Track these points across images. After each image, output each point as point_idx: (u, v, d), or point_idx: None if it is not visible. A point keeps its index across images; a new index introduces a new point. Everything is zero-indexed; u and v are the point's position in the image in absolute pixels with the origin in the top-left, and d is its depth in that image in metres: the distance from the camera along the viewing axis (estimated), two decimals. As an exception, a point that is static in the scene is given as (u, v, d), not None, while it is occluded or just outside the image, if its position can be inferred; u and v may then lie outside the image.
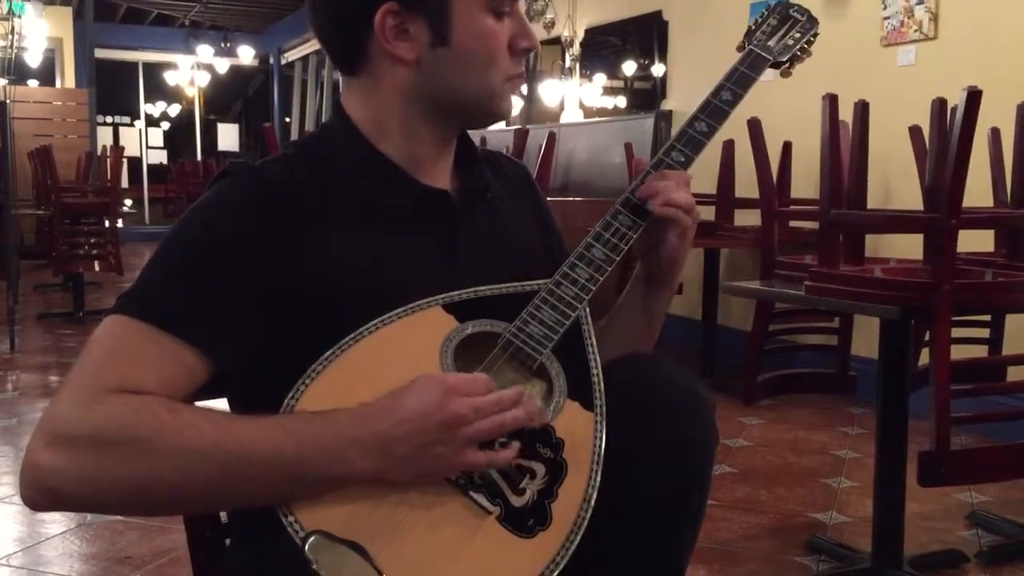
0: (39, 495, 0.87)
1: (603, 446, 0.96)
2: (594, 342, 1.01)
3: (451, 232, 1.07)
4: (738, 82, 1.14)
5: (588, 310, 1.02)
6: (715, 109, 1.12)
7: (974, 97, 1.79)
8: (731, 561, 2.30)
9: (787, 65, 1.20)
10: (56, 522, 2.53)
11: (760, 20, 1.21)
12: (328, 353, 0.93)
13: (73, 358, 4.81)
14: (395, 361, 0.95)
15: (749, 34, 1.20)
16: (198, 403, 0.96)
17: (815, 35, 1.21)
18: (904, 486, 2.10)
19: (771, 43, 1.19)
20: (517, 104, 7.37)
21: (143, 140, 14.80)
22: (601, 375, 0.99)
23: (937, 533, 2.47)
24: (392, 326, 0.96)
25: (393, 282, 1.00)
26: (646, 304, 1.19)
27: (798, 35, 1.20)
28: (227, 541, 1.11)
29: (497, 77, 1.05)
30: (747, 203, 4.01)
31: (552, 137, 3.49)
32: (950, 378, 1.80)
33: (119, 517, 2.49)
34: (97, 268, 6.06)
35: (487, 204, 1.13)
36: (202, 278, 0.95)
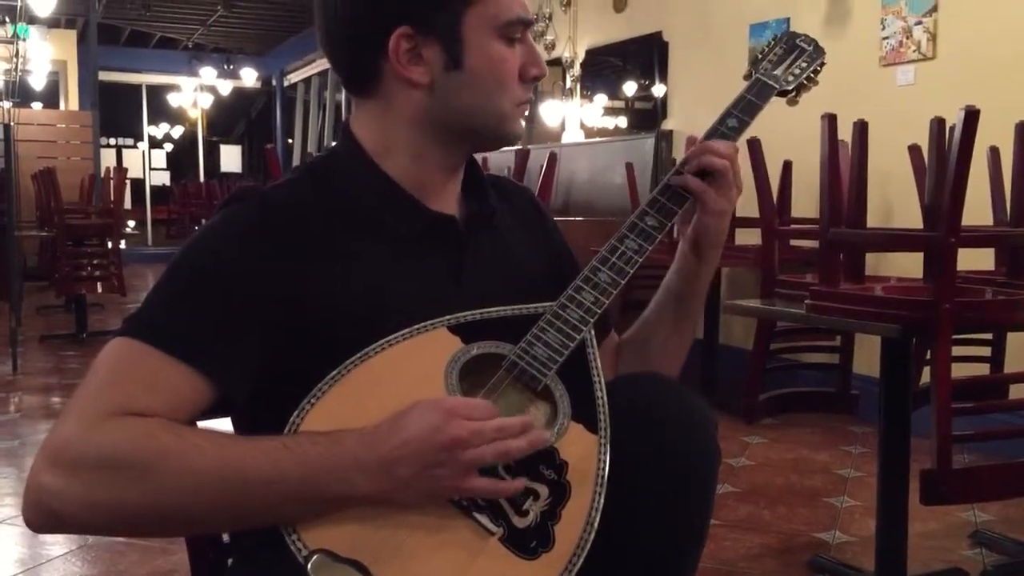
0: (42, 517, 0.88)
1: (607, 468, 0.96)
2: (599, 364, 1.01)
3: (457, 257, 1.08)
4: (744, 110, 1.15)
5: (593, 333, 1.02)
6: (721, 136, 1.13)
7: (972, 116, 1.80)
8: (734, 581, 2.30)
9: (793, 94, 1.21)
10: (58, 543, 2.53)
11: (767, 49, 1.22)
12: (333, 373, 0.94)
13: (76, 379, 4.82)
14: (400, 382, 0.95)
15: (755, 63, 1.21)
16: (202, 423, 0.96)
17: (822, 64, 1.21)
18: (907, 505, 2.10)
19: (777, 72, 1.19)
20: (518, 125, 7.41)
21: (146, 162, 14.88)
22: (605, 397, 0.99)
23: (940, 552, 2.46)
24: (397, 347, 0.97)
25: (398, 307, 1.00)
26: (697, 271, 1.18)
27: (804, 64, 1.21)
28: (229, 561, 1.11)
29: (508, 101, 1.06)
30: (748, 222, 4.01)
31: (553, 157, 3.51)
32: (951, 396, 1.81)
33: (120, 539, 2.49)
34: (100, 289, 6.08)
35: (493, 229, 1.14)
36: (207, 303, 0.95)
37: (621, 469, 0.96)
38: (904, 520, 2.10)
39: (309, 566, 0.87)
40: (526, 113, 1.12)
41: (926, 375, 2.14)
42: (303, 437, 0.90)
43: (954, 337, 1.85)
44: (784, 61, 1.20)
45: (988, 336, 2.52)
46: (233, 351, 0.95)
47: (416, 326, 0.98)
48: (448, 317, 0.99)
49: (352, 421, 0.91)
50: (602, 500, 0.94)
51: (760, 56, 1.22)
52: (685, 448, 0.99)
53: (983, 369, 2.46)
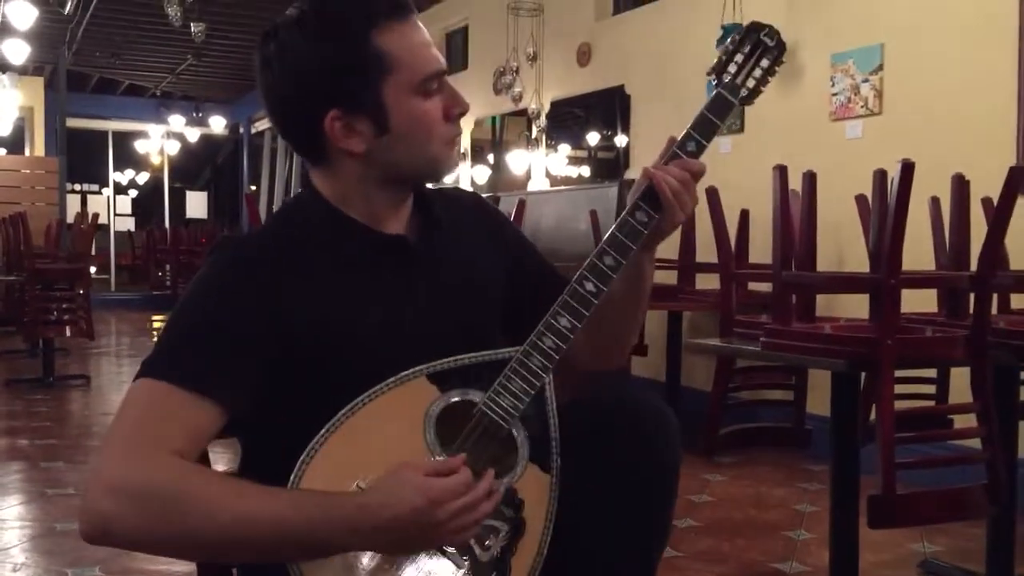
0: (97, 533, 1.04)
1: (555, 505, 1.13)
2: (555, 407, 1.15)
3: (408, 270, 1.22)
4: (704, 132, 1.21)
5: (551, 377, 1.15)
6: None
7: (907, 169, 1.97)
8: (696, 608, 2.40)
9: (750, 98, 1.23)
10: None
11: (731, 48, 1.23)
12: (328, 425, 1.09)
13: (45, 422, 4.85)
14: (384, 435, 1.10)
15: (720, 67, 1.23)
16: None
17: (781, 63, 1.23)
18: (857, 532, 2.22)
19: (739, 80, 1.22)
20: (483, 172, 7.57)
21: (111, 208, 14.84)
22: (558, 439, 1.14)
23: (891, 580, 2.59)
24: (381, 399, 1.11)
25: (366, 318, 1.16)
26: (638, 264, 1.25)
27: (766, 63, 1.23)
28: (234, 572, 1.22)
29: (436, 146, 1.21)
30: (707, 267, 4.18)
31: (522, 204, 3.65)
32: (895, 426, 1.95)
33: (99, 573, 2.54)
34: (69, 333, 6.10)
35: (442, 236, 1.27)
36: (213, 341, 1.11)
37: (587, 467, 1.12)
38: (855, 547, 2.23)
39: None
40: (458, 143, 1.25)
41: (875, 413, 2.29)
42: (308, 498, 1.05)
43: (901, 375, 2.00)
44: (747, 63, 1.23)
45: (933, 374, 2.68)
46: (237, 377, 1.11)
47: (400, 375, 1.12)
48: (426, 366, 1.13)
49: (347, 474, 1.07)
50: (551, 531, 1.12)
51: (724, 58, 1.24)
52: (649, 445, 1.14)
53: (930, 404, 2.61)
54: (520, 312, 1.27)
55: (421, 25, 1.19)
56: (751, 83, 1.22)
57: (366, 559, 1.06)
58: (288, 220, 1.24)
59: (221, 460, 1.62)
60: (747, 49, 1.23)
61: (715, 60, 1.25)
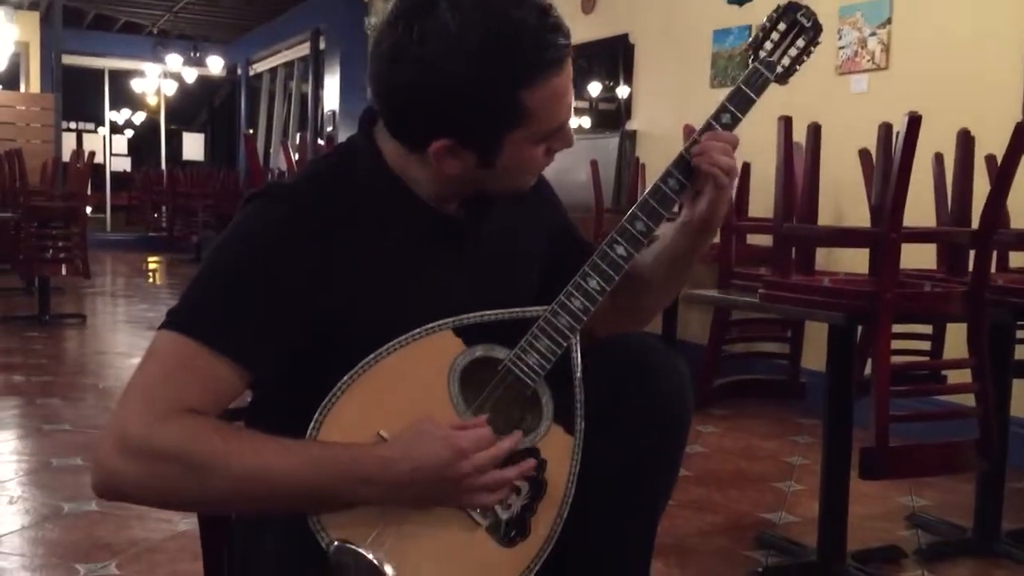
0: (110, 493, 1.04)
1: (578, 467, 1.11)
2: (580, 369, 1.12)
3: (460, 252, 1.17)
4: (740, 104, 1.19)
5: (578, 338, 1.13)
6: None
7: (914, 122, 1.95)
8: (685, 555, 2.43)
9: (786, 77, 1.22)
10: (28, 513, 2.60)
11: (768, 26, 1.22)
12: (351, 373, 1.06)
13: (41, 360, 4.86)
14: (409, 387, 1.08)
15: (756, 44, 1.21)
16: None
17: (817, 43, 1.22)
18: (848, 484, 2.25)
19: (774, 57, 1.20)
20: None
21: (107, 147, 14.74)
22: (583, 402, 1.12)
23: (879, 532, 2.61)
24: (407, 348, 1.08)
25: (410, 297, 1.11)
26: (690, 247, 1.25)
27: (802, 43, 1.21)
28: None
29: (529, 180, 1.17)
30: (707, 221, 4.16)
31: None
32: (889, 378, 1.96)
33: (95, 507, 2.57)
34: (65, 272, 6.08)
35: (492, 208, 1.21)
36: (245, 299, 1.06)
37: (604, 410, 1.11)
38: (845, 498, 2.25)
39: (331, 551, 1.04)
40: None
41: (870, 368, 2.30)
42: (326, 451, 1.04)
43: (897, 331, 2.00)
44: (783, 42, 1.21)
45: (929, 330, 2.69)
46: (268, 343, 1.07)
47: (425, 327, 1.09)
48: (453, 319, 1.10)
49: (368, 423, 1.05)
50: (572, 495, 1.11)
51: (762, 35, 1.22)
52: (664, 391, 1.14)
53: (925, 360, 2.62)
54: (552, 279, 1.23)
55: (569, 67, 1.08)
56: (786, 61, 1.22)
57: (387, 517, 1.06)
58: (342, 175, 1.14)
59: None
60: (783, 28, 1.22)
61: (752, 36, 1.23)
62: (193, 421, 1.02)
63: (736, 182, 1.22)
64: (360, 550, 1.04)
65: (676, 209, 1.23)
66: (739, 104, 1.19)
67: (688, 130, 1.20)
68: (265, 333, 1.06)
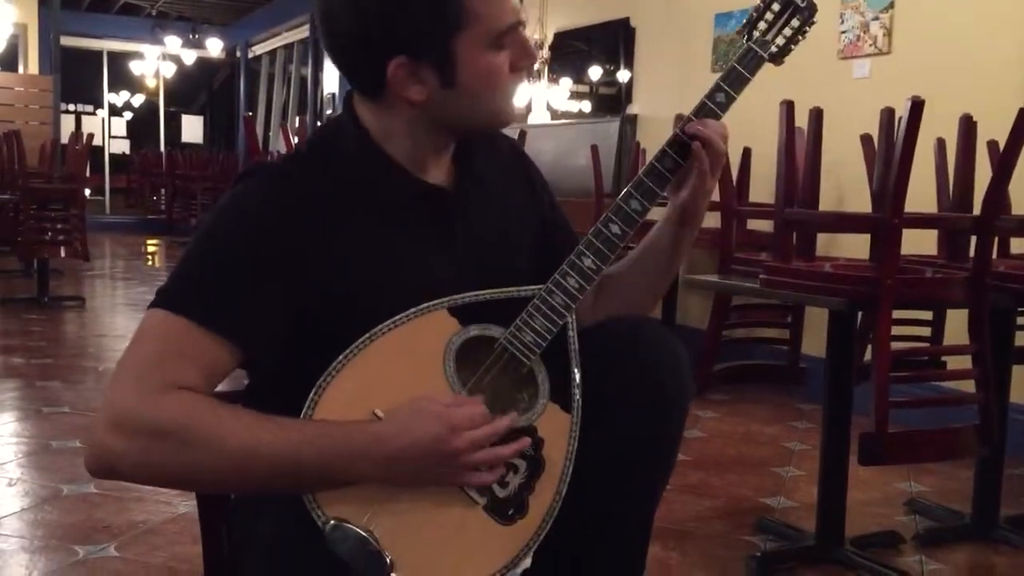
0: (103, 471, 1.04)
1: (576, 445, 1.11)
2: (577, 347, 1.12)
3: (445, 223, 1.17)
4: (733, 83, 1.19)
5: (574, 316, 1.13)
6: (710, 111, 1.19)
7: (917, 107, 1.94)
8: (684, 539, 2.43)
9: (780, 57, 1.22)
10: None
11: (762, 6, 1.22)
12: (347, 351, 1.05)
13: (40, 342, 4.86)
14: (403, 365, 1.08)
15: (751, 24, 1.21)
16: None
17: (812, 23, 1.21)
18: (847, 469, 2.25)
19: (768, 37, 1.20)
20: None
21: (106, 129, 14.69)
22: (580, 381, 1.11)
23: (878, 517, 2.62)
24: (401, 329, 1.08)
25: (399, 276, 1.11)
26: (673, 240, 1.26)
27: (797, 23, 1.21)
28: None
29: (500, 100, 1.15)
30: (708, 206, 4.16)
31: (523, 136, 3.61)
32: (890, 364, 1.95)
33: (94, 489, 2.57)
34: (64, 254, 6.08)
35: (482, 188, 1.23)
36: (235, 277, 1.06)
37: (601, 396, 1.10)
38: (844, 483, 2.26)
39: (327, 529, 1.03)
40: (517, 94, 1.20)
41: (869, 354, 2.30)
42: (322, 429, 1.03)
43: (897, 317, 2.00)
44: (778, 22, 1.21)
45: (929, 316, 2.69)
46: (258, 320, 1.06)
47: (421, 306, 1.09)
48: (447, 299, 1.10)
49: (363, 402, 1.05)
50: (570, 473, 1.10)
51: (756, 15, 1.22)
52: (661, 377, 1.14)
53: (925, 346, 2.62)
54: (542, 261, 1.24)
55: None
56: (780, 41, 1.21)
57: (383, 495, 1.05)
58: (324, 152, 1.16)
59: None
60: (777, 8, 1.21)
61: (746, 18, 1.24)
62: (186, 397, 1.02)
63: (719, 172, 1.21)
64: (357, 528, 1.03)
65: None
66: (733, 83, 1.19)
67: (680, 119, 1.19)
68: (255, 310, 1.06)
